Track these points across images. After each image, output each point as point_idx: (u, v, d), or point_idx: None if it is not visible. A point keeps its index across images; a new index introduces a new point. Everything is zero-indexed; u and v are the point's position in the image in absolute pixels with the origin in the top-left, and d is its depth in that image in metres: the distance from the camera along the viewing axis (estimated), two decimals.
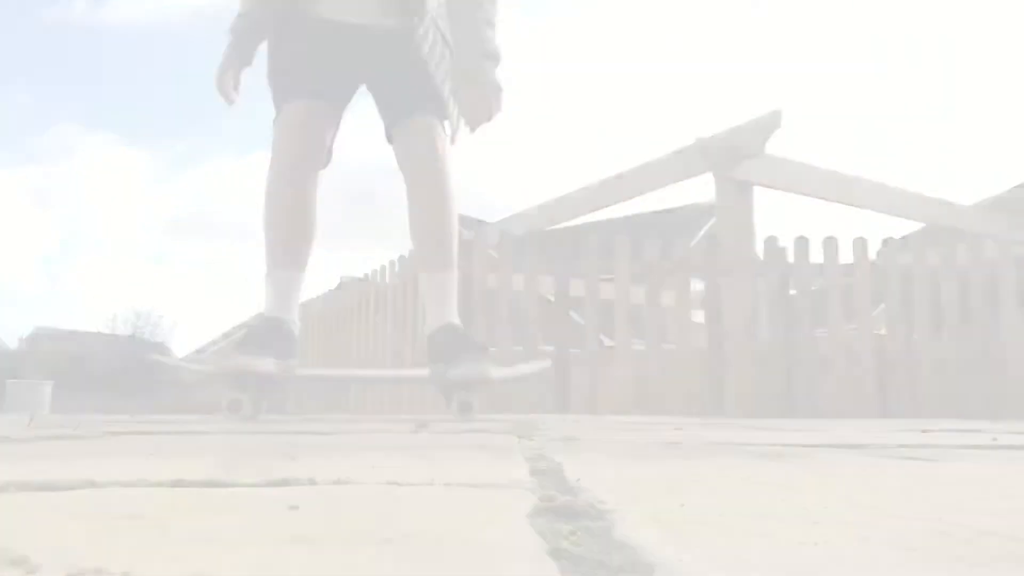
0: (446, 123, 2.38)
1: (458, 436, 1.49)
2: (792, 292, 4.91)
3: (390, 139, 2.40)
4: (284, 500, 0.64)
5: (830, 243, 4.76)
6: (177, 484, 0.75)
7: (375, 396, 6.05)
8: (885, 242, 4.86)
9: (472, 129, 2.31)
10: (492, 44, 2.33)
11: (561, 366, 4.57)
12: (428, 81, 2.35)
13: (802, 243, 4.77)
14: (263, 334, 2.21)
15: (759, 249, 4.88)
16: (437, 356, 2.32)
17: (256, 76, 2.52)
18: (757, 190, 5.45)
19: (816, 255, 4.75)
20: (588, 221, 8.20)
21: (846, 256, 4.77)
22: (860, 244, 4.79)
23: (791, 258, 4.77)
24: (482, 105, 2.28)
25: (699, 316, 5.65)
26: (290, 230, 2.30)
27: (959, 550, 0.50)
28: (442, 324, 2.34)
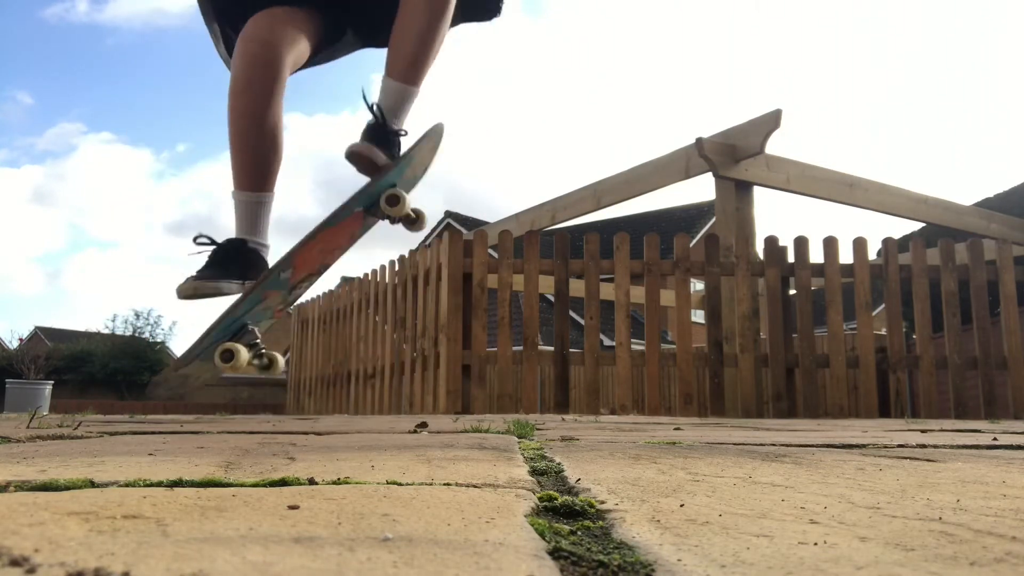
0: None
1: (457, 436, 1.49)
2: (792, 292, 4.91)
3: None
4: (284, 500, 0.64)
5: (830, 243, 4.76)
6: (177, 484, 0.75)
7: (375, 396, 6.05)
8: (885, 242, 4.85)
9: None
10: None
11: (561, 366, 4.57)
12: None
13: (802, 243, 4.77)
14: (222, 257, 2.19)
15: (759, 249, 4.88)
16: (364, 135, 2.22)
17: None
18: (757, 190, 5.46)
19: (816, 255, 4.76)
20: (588, 221, 8.21)
21: (846, 256, 4.78)
22: (860, 244, 4.79)
23: (791, 258, 4.77)
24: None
25: (699, 316, 5.64)
26: (249, 153, 2.23)
27: (959, 550, 0.50)
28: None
